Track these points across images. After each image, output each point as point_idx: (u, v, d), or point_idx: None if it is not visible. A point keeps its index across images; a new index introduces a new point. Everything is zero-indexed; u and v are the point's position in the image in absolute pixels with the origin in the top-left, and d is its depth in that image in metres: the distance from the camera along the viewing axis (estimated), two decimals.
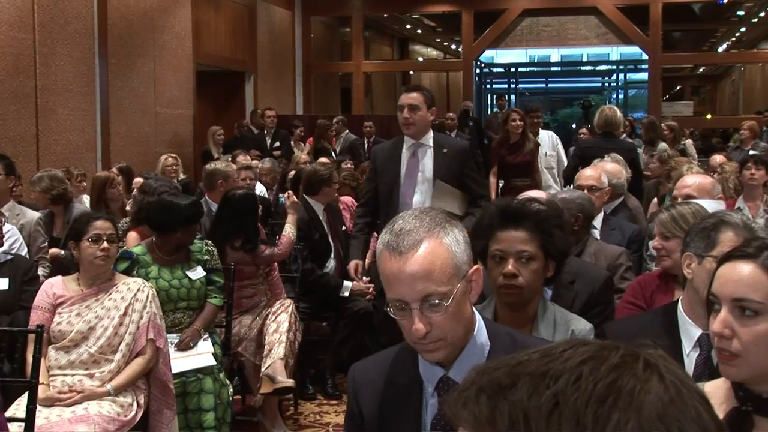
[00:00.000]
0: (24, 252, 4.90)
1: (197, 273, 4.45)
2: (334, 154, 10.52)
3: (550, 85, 29.05)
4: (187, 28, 11.49)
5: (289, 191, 5.47)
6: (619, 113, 7.00)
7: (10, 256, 4.39)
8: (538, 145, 8.03)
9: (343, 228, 5.84)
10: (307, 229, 5.54)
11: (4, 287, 4.29)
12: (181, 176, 8.36)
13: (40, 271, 4.96)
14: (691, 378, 0.77)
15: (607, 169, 4.84)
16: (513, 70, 24.14)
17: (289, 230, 5.25)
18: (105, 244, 3.75)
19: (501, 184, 7.94)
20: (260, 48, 13.85)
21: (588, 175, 4.50)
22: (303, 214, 5.65)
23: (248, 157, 8.69)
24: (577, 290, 2.92)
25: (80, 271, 3.83)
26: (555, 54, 27.49)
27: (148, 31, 10.57)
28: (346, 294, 5.51)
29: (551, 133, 8.87)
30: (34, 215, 5.46)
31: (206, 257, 4.51)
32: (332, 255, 5.76)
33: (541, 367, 0.76)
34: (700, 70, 26.83)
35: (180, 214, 4.37)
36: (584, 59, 27.97)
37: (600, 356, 0.75)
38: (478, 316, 1.82)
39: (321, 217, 5.74)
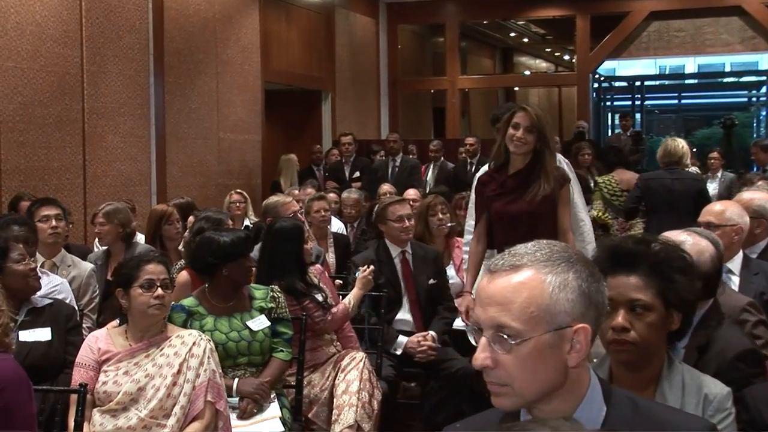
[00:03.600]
0: None
1: (260, 323, 4.44)
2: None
3: (683, 101, 28.51)
4: (255, 40, 11.71)
5: (371, 266, 5.33)
6: (681, 144, 7.71)
7: (48, 301, 4.39)
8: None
9: (432, 281, 5.74)
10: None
11: (46, 337, 4.24)
12: (251, 218, 8.42)
13: (85, 324, 5.03)
14: None
15: (754, 202, 4.60)
16: (638, 83, 23.78)
17: (348, 301, 5.16)
18: (159, 291, 3.78)
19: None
20: (339, 62, 14.00)
21: (707, 210, 4.28)
22: (369, 254, 5.68)
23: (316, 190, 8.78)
24: (708, 359, 2.79)
25: (128, 322, 3.86)
26: (690, 64, 27.02)
27: (210, 44, 10.81)
28: (398, 351, 5.50)
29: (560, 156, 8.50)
30: (87, 267, 5.50)
31: (271, 305, 4.51)
32: (405, 307, 5.69)
33: None
34: None
35: (220, 248, 4.39)
36: (726, 69, 27.41)
37: None
38: (592, 375, 1.81)
39: (396, 260, 5.71)
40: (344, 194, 8.38)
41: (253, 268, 4.80)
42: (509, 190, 4.77)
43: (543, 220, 4.66)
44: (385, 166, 11.22)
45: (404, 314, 5.70)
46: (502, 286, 1.72)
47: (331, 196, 8.36)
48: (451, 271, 6.35)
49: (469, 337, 5.44)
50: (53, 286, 4.79)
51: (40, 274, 4.81)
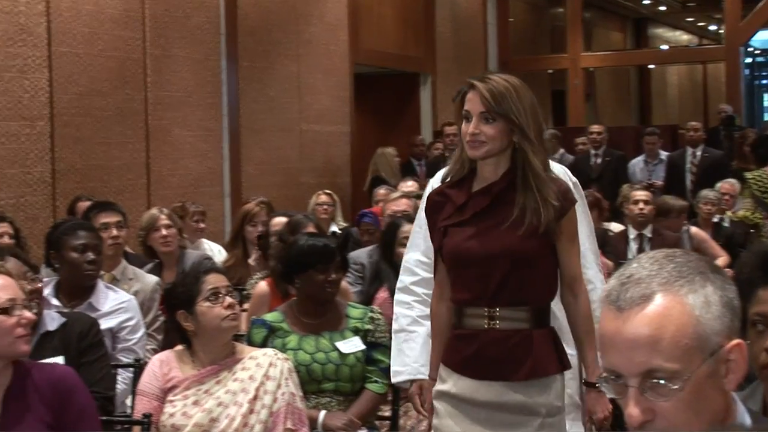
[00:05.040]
0: (139, 333, 4.92)
1: (351, 345, 4.43)
2: None
3: None
4: (342, 16, 11.77)
5: None
6: None
7: (62, 320, 4.23)
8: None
9: None
10: None
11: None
12: (340, 222, 8.45)
13: (149, 346, 5.11)
14: None
15: None
16: None
17: None
18: (228, 299, 3.82)
19: None
20: (440, 40, 13.98)
21: None
22: None
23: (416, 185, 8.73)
24: None
25: (194, 345, 3.91)
26: None
27: (291, 22, 10.90)
28: None
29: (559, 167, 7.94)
30: (151, 280, 5.56)
31: (368, 327, 4.49)
32: None
33: None
34: None
35: (288, 258, 4.41)
36: None
37: None
38: (740, 408, 1.77)
39: None
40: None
41: (343, 281, 4.80)
42: (473, 216, 3.38)
43: (531, 267, 3.33)
44: None
45: None
46: (642, 324, 1.67)
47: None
48: None
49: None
50: (118, 303, 4.85)
51: (105, 289, 4.92)
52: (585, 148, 11.57)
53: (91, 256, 4.81)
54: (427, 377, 3.67)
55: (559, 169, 3.80)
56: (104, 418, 3.82)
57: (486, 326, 3.29)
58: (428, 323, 3.64)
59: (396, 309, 4.00)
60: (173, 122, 9.25)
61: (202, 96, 9.60)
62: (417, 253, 3.98)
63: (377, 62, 12.73)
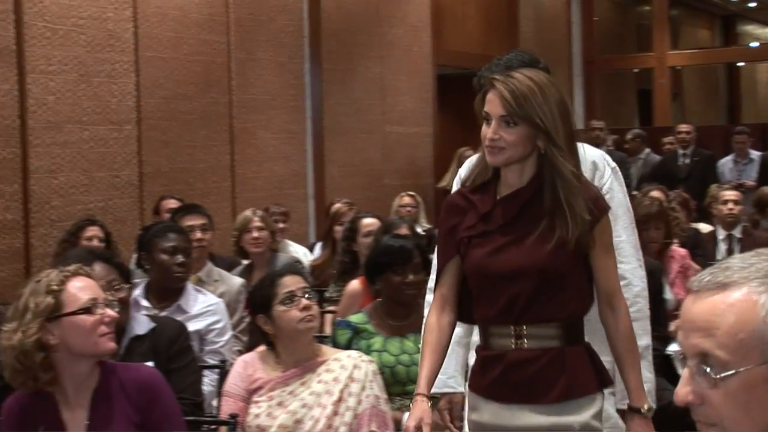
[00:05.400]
0: (226, 336, 4.97)
1: None
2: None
3: None
4: (425, 17, 11.77)
5: None
6: None
7: (152, 324, 4.19)
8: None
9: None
10: None
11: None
12: (423, 224, 8.47)
13: (236, 347, 5.17)
14: None
15: None
16: None
17: None
18: (304, 301, 3.84)
19: None
20: (523, 40, 13.90)
21: None
22: None
23: None
24: None
25: (276, 347, 3.94)
26: None
27: (374, 24, 10.93)
28: None
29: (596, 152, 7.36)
30: (237, 282, 5.65)
31: None
32: None
33: None
34: None
35: (369, 259, 4.41)
36: None
37: None
38: None
39: None
40: None
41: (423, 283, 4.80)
42: (499, 227, 3.09)
43: (560, 282, 3.04)
44: None
45: None
46: (706, 308, 1.65)
47: None
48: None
49: (676, 367, 5.28)
50: (206, 306, 4.91)
51: (194, 292, 4.98)
52: (672, 147, 11.42)
53: (180, 258, 4.86)
54: (456, 390, 3.53)
55: (596, 154, 3.56)
56: (191, 418, 3.84)
57: (513, 346, 3.00)
58: (455, 331, 3.29)
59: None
60: (257, 125, 9.34)
61: (285, 99, 9.67)
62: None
63: (460, 63, 12.68)
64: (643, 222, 5.93)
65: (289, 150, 9.72)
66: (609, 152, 11.00)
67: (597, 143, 11.13)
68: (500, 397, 3.02)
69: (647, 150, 11.61)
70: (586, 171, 3.31)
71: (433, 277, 3.56)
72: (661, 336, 5.52)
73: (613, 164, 3.57)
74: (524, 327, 2.99)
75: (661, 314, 5.47)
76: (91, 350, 3.08)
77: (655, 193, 7.30)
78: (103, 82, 7.88)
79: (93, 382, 3.14)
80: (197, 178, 8.67)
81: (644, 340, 3.43)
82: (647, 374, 3.36)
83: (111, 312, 3.11)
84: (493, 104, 3.01)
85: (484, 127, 3.03)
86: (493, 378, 3.02)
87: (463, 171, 3.42)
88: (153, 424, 3.14)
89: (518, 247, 3.02)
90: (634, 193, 8.25)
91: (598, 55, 15.81)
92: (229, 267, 6.17)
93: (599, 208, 3.04)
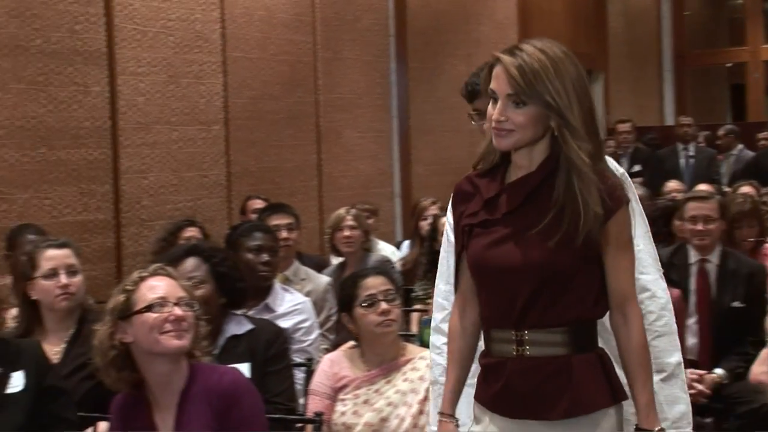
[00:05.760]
0: (314, 335, 4.96)
1: None
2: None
3: None
4: (512, 14, 11.73)
5: None
6: None
7: (250, 326, 4.09)
8: None
9: (738, 303, 5.46)
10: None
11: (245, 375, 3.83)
12: None
13: (323, 346, 5.18)
14: None
15: None
16: None
17: None
18: (383, 305, 3.84)
19: None
20: (612, 36, 13.78)
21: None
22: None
23: None
24: None
25: (361, 345, 3.95)
26: None
27: (460, 21, 10.90)
28: None
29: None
30: (323, 281, 5.66)
31: None
32: (693, 330, 5.48)
33: None
34: None
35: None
36: None
37: None
38: None
39: (692, 269, 5.49)
40: None
41: None
42: (502, 215, 2.70)
43: (566, 282, 2.64)
44: (674, 157, 10.93)
45: (691, 338, 5.49)
46: None
47: None
48: None
49: None
50: (294, 305, 4.91)
51: (281, 291, 5.01)
52: (767, 143, 11.20)
53: (265, 257, 4.88)
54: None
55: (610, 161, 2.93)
56: (276, 416, 3.81)
57: (514, 353, 2.63)
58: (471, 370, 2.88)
59: (430, 354, 3.31)
60: (344, 124, 9.37)
61: (371, 97, 9.69)
62: (442, 281, 3.27)
63: None
64: (735, 219, 5.84)
65: (376, 149, 9.74)
66: (698, 149, 10.86)
67: (686, 140, 10.98)
68: (504, 411, 2.68)
69: (740, 146, 11.40)
70: None
71: (433, 314, 3.31)
72: (761, 341, 5.37)
73: (622, 170, 3.10)
74: (526, 332, 2.62)
75: (760, 319, 5.31)
76: (155, 347, 3.07)
77: (747, 189, 7.13)
78: (192, 83, 7.98)
79: (181, 383, 3.14)
80: (284, 178, 8.73)
81: (675, 356, 3.06)
82: (681, 395, 3.08)
83: (178, 311, 3.10)
84: (499, 81, 2.64)
85: (489, 107, 2.66)
86: (496, 391, 2.67)
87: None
88: (230, 429, 3.13)
89: (519, 240, 2.63)
90: (726, 189, 8.11)
91: (689, 50, 15.60)
92: (317, 266, 6.18)
93: (615, 199, 2.62)
